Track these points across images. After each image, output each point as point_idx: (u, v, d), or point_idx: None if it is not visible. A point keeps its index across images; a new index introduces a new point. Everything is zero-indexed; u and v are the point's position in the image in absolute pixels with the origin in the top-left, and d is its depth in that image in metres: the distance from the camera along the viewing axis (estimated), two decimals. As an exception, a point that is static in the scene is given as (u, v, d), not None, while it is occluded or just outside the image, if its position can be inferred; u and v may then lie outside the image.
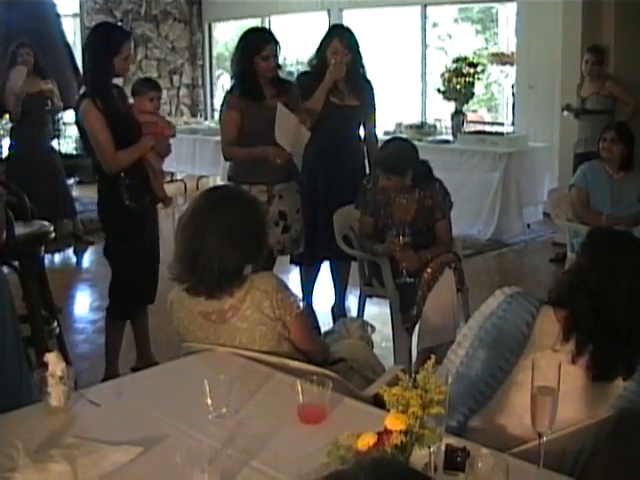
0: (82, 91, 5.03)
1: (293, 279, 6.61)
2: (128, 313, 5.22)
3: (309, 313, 6.08)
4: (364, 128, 6.12)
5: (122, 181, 4.89)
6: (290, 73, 6.30)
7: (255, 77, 5.40)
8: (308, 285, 6.20)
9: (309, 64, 6.09)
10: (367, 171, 6.03)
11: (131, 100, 5.25)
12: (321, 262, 6.17)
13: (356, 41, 5.90)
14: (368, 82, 6.09)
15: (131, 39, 5.03)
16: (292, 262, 6.16)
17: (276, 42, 5.42)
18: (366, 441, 1.99)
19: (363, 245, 5.32)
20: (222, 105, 5.72)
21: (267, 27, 12.74)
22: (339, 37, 5.86)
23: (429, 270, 4.94)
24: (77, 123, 5.04)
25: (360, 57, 5.96)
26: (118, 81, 5.24)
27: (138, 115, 5.06)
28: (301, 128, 5.49)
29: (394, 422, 1.97)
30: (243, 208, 3.28)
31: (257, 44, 5.40)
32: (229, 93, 5.64)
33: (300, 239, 5.67)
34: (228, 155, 5.58)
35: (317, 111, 5.70)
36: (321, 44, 5.88)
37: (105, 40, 4.89)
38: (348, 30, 6.03)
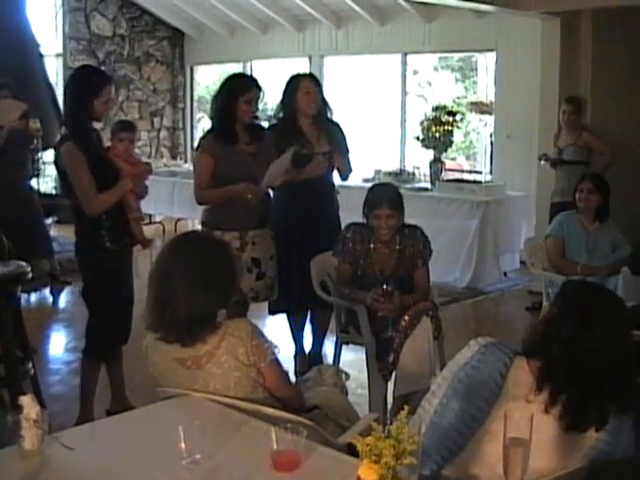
0: (62, 133, 5.01)
1: (270, 325, 6.62)
2: (105, 354, 5.19)
3: (301, 358, 6.10)
4: (338, 172, 6.10)
5: (103, 223, 4.88)
6: (270, 117, 6.36)
7: (233, 120, 5.43)
8: (298, 331, 6.20)
9: (275, 117, 6.08)
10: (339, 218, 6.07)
11: (109, 143, 5.25)
12: (307, 310, 6.17)
13: (321, 84, 5.99)
14: (336, 124, 6.12)
15: (112, 83, 5.05)
16: (270, 312, 6.16)
17: (260, 89, 5.48)
18: (339, 490, 2.00)
19: (340, 292, 5.32)
20: (197, 148, 5.76)
21: (249, 72, 12.89)
22: (308, 77, 5.96)
23: (406, 318, 4.94)
24: (56, 165, 5.00)
25: (326, 100, 6.01)
26: (96, 124, 5.23)
27: (114, 158, 5.06)
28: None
29: (367, 472, 1.98)
30: (208, 252, 3.30)
31: (243, 86, 5.47)
32: (204, 137, 5.68)
33: (274, 285, 5.67)
34: (200, 199, 5.56)
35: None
36: (287, 91, 5.90)
37: (86, 82, 4.90)
38: (312, 75, 6.12)
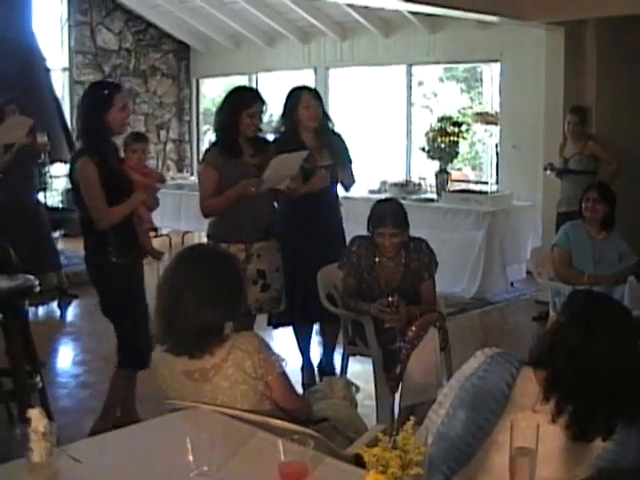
0: (78, 147, 5.03)
1: (276, 337, 6.61)
2: (140, 362, 4.96)
3: (308, 370, 6.10)
4: (341, 184, 6.11)
5: (110, 239, 4.88)
6: (275, 130, 6.38)
7: (237, 133, 5.45)
8: (304, 343, 6.20)
9: (277, 131, 6.07)
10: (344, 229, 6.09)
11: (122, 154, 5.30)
12: (313, 322, 6.18)
13: (321, 97, 6.01)
14: (337, 135, 6.12)
15: (122, 90, 5.08)
16: (274, 326, 6.15)
17: (263, 102, 5.49)
18: (346, 501, 2.01)
19: (347, 304, 5.33)
20: (201, 162, 5.79)
21: (255, 85, 12.94)
22: (307, 91, 5.96)
23: (413, 329, 4.95)
24: (70, 178, 5.02)
25: (326, 113, 6.03)
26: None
27: (128, 170, 5.10)
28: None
29: (374, 482, 1.99)
30: (216, 265, 3.31)
31: (246, 100, 5.48)
32: (208, 150, 5.71)
33: (281, 297, 5.67)
34: (206, 210, 5.55)
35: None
36: (287, 105, 5.90)
37: (97, 95, 4.95)
38: (312, 88, 6.14)
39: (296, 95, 5.90)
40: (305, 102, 5.83)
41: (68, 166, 5.14)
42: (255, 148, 5.53)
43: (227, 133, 5.50)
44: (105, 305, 5.11)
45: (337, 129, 6.18)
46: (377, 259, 5.26)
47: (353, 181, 6.14)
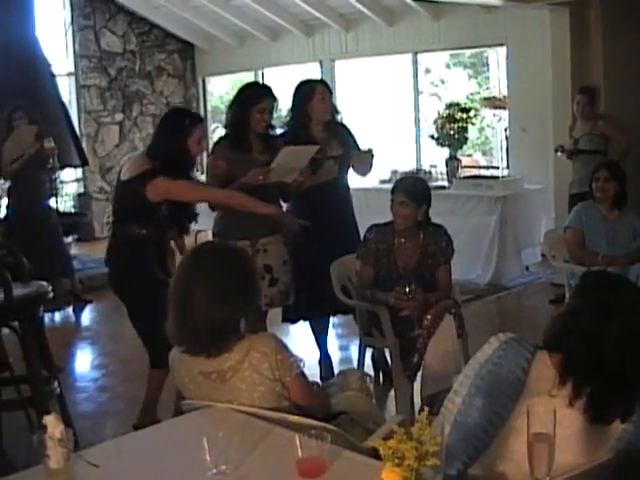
0: (150, 166, 4.94)
1: (293, 332, 6.60)
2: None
3: (326, 362, 6.08)
4: (355, 169, 6.09)
5: (152, 253, 4.97)
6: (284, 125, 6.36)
7: (246, 128, 5.45)
8: (321, 337, 6.20)
9: (286, 124, 6.02)
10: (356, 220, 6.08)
11: None
12: (329, 315, 6.17)
13: (331, 89, 6.04)
14: (344, 126, 6.13)
15: (202, 124, 5.12)
16: (286, 320, 6.10)
17: (275, 99, 5.48)
18: (363, 495, 2.00)
19: (363, 294, 5.32)
20: (210, 155, 5.78)
21: (261, 80, 12.91)
22: (321, 83, 5.98)
23: (429, 317, 4.94)
24: (132, 192, 4.96)
25: (334, 104, 6.06)
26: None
27: None
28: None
29: (390, 475, 1.97)
30: (226, 261, 3.28)
31: (256, 96, 5.49)
32: (217, 144, 5.69)
33: (289, 291, 5.66)
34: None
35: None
36: (298, 98, 5.88)
37: (176, 121, 5.00)
38: (323, 80, 6.13)
39: (309, 88, 5.88)
40: (320, 94, 5.82)
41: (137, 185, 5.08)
42: (265, 145, 5.52)
43: (237, 128, 5.50)
44: (134, 313, 5.11)
45: (344, 121, 6.18)
46: (395, 240, 5.27)
47: (370, 167, 6.12)
